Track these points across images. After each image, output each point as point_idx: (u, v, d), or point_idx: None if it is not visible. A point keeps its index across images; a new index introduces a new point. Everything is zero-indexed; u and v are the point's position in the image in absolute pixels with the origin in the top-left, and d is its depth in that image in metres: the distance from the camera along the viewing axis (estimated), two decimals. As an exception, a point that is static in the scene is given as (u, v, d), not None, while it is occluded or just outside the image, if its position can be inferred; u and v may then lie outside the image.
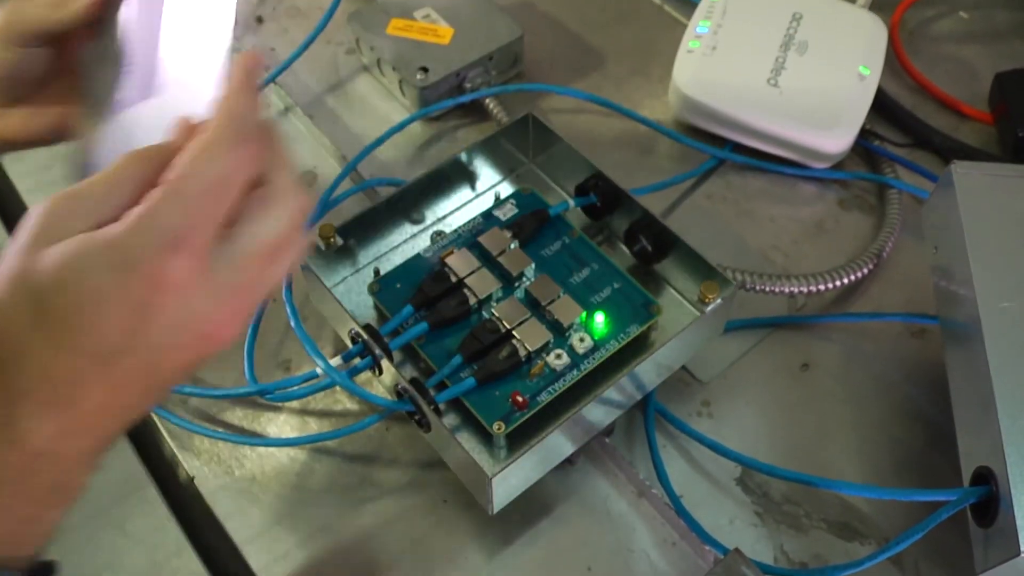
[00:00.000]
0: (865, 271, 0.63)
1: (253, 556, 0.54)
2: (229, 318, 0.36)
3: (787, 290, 0.61)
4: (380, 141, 0.69)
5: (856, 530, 0.55)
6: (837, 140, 0.67)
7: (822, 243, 0.68)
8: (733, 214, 0.69)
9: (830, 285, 0.62)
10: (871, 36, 0.70)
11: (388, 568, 0.54)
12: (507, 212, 0.60)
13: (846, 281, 0.62)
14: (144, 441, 0.59)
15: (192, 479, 0.57)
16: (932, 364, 0.62)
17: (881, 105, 0.72)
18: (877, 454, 0.58)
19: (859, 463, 0.58)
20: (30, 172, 0.70)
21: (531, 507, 0.55)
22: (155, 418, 0.59)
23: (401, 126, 0.71)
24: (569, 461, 0.56)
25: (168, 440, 0.58)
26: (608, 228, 0.62)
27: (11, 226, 0.68)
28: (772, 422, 0.59)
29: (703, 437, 0.56)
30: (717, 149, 0.71)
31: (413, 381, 0.50)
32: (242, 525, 0.55)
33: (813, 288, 0.61)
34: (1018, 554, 0.43)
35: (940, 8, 0.83)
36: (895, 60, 0.77)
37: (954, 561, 0.54)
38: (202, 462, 0.57)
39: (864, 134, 0.71)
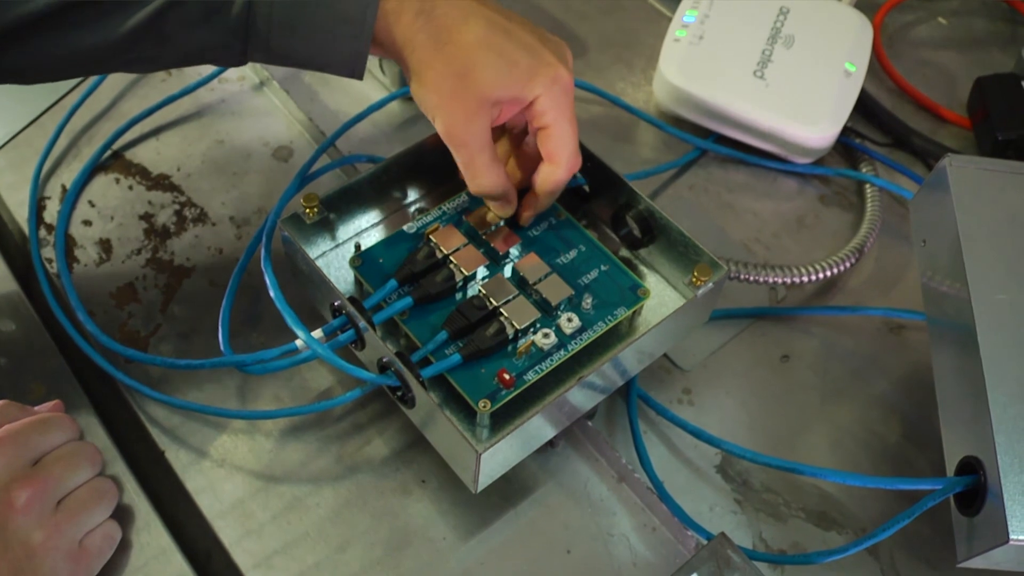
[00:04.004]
0: (847, 265, 0.63)
1: (224, 531, 0.52)
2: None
3: (772, 280, 0.61)
4: (360, 117, 0.68)
5: (834, 520, 0.55)
6: (821, 134, 0.67)
7: (802, 238, 0.68)
8: (715, 206, 0.69)
9: (814, 277, 0.62)
10: (857, 33, 0.70)
11: (362, 547, 0.52)
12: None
13: (829, 274, 0.62)
14: (113, 413, 0.57)
15: (163, 453, 0.55)
16: (909, 360, 0.62)
17: (862, 104, 0.73)
18: (853, 446, 0.58)
19: (836, 455, 0.58)
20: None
21: (511, 489, 0.55)
22: (124, 390, 0.57)
23: (381, 103, 0.69)
24: (551, 443, 0.55)
25: (138, 412, 0.56)
26: (592, 214, 0.61)
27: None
28: (751, 412, 0.59)
29: (686, 424, 0.56)
30: (700, 139, 0.71)
31: (399, 354, 0.49)
32: (214, 500, 0.53)
33: (797, 279, 0.62)
34: (1007, 541, 0.43)
35: (920, 13, 0.84)
36: (876, 62, 0.78)
37: (927, 552, 0.54)
38: (173, 435, 0.55)
39: (845, 132, 0.71)
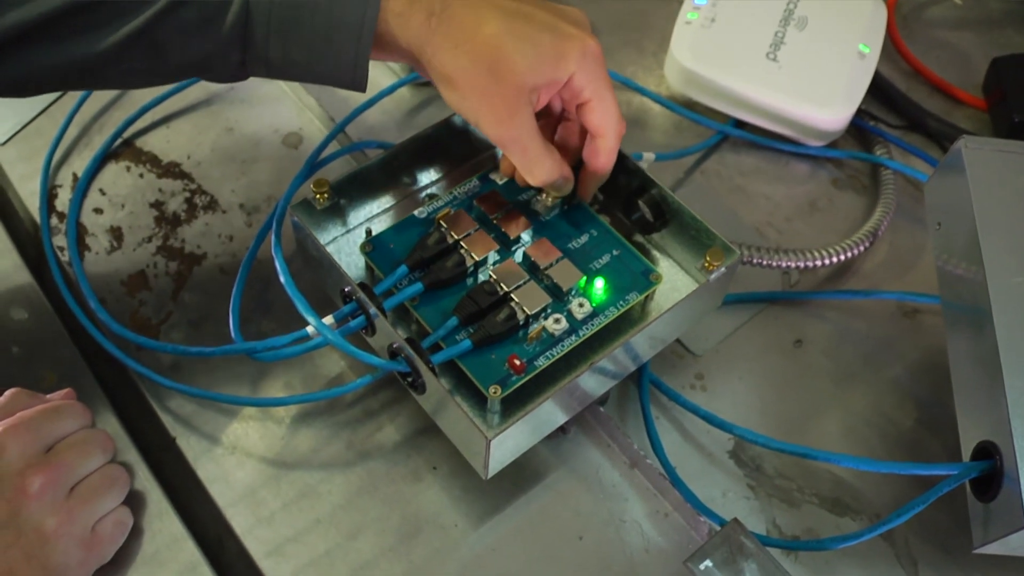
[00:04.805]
0: (861, 249, 0.62)
1: (236, 519, 0.52)
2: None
3: (784, 264, 0.61)
4: (370, 103, 0.67)
5: (848, 505, 0.55)
6: (835, 117, 0.66)
7: (815, 221, 0.67)
8: (727, 190, 0.69)
9: (827, 261, 0.61)
10: (871, 15, 0.70)
11: (374, 534, 0.52)
12: (503, 175, 0.59)
13: (843, 258, 0.62)
14: (125, 401, 0.57)
15: (174, 440, 0.55)
16: (924, 344, 0.62)
17: (876, 86, 0.72)
18: (867, 431, 0.58)
19: (850, 440, 0.58)
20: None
21: (522, 475, 0.54)
22: (136, 377, 0.57)
23: (391, 89, 0.69)
24: (562, 429, 0.55)
25: (150, 400, 0.56)
26: (605, 198, 0.61)
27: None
28: (764, 397, 0.59)
29: (698, 409, 0.55)
30: (717, 123, 0.70)
31: (409, 340, 0.49)
32: (225, 487, 0.53)
33: (810, 263, 0.61)
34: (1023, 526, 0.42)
35: (935, -7, 0.84)
36: (890, 43, 0.77)
37: (943, 538, 0.54)
38: (185, 423, 0.55)
39: (859, 114, 0.70)
